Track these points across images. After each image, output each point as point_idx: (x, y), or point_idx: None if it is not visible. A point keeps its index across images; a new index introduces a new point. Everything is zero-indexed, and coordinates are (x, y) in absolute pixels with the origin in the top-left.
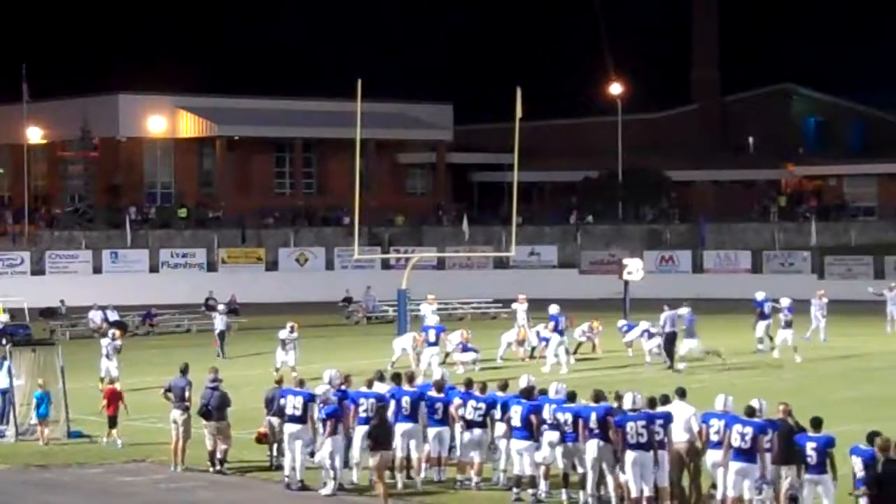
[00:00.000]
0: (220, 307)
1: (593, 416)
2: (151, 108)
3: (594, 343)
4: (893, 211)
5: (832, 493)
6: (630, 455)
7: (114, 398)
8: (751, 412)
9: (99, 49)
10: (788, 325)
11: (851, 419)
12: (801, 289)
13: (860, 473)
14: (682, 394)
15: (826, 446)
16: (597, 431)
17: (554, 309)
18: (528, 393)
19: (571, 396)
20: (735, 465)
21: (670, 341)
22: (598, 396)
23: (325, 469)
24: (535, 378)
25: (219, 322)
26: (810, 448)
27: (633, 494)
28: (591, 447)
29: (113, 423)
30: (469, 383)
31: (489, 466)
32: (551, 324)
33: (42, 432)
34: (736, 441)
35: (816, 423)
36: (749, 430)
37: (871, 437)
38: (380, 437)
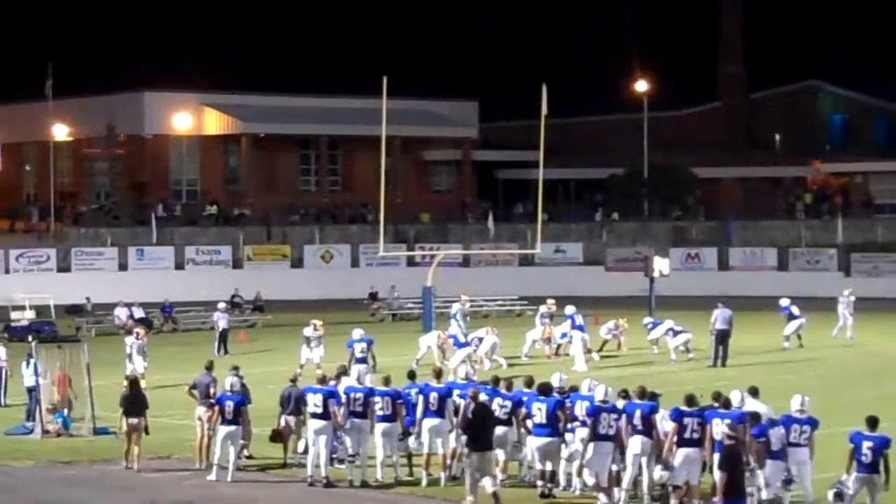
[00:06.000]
0: (221, 305)
1: (637, 413)
2: (177, 106)
3: (619, 341)
4: None
5: (878, 494)
6: (601, 446)
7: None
8: (727, 404)
9: (125, 47)
10: None
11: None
12: (828, 286)
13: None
14: (754, 393)
15: (882, 447)
16: (640, 428)
17: (570, 309)
18: (546, 389)
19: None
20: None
21: (720, 339)
22: (643, 393)
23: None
24: (566, 376)
25: (222, 321)
26: (866, 447)
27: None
28: (635, 443)
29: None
30: (496, 381)
31: (514, 463)
32: (568, 322)
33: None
34: (718, 434)
35: (873, 423)
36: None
37: (873, 421)
38: (131, 406)
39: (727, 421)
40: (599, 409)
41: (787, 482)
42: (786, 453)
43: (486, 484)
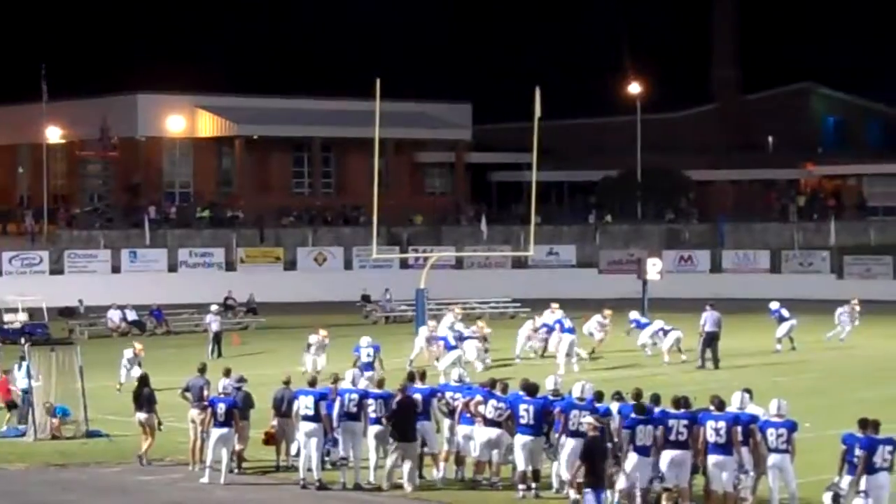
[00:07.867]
0: (214, 307)
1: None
2: (170, 108)
3: (603, 336)
4: None
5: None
6: (570, 442)
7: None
8: (720, 406)
9: (118, 49)
10: None
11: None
12: (820, 289)
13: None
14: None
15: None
16: None
17: (558, 314)
18: (531, 390)
19: (599, 396)
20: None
21: (708, 342)
22: (639, 395)
23: (213, 461)
24: (561, 379)
25: (215, 324)
26: (858, 450)
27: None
28: None
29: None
30: (493, 383)
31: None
32: (557, 326)
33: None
34: (711, 436)
35: (865, 425)
36: (722, 424)
37: (864, 423)
38: (140, 402)
39: (592, 414)
40: (571, 405)
41: (654, 479)
42: (655, 451)
43: (405, 470)
